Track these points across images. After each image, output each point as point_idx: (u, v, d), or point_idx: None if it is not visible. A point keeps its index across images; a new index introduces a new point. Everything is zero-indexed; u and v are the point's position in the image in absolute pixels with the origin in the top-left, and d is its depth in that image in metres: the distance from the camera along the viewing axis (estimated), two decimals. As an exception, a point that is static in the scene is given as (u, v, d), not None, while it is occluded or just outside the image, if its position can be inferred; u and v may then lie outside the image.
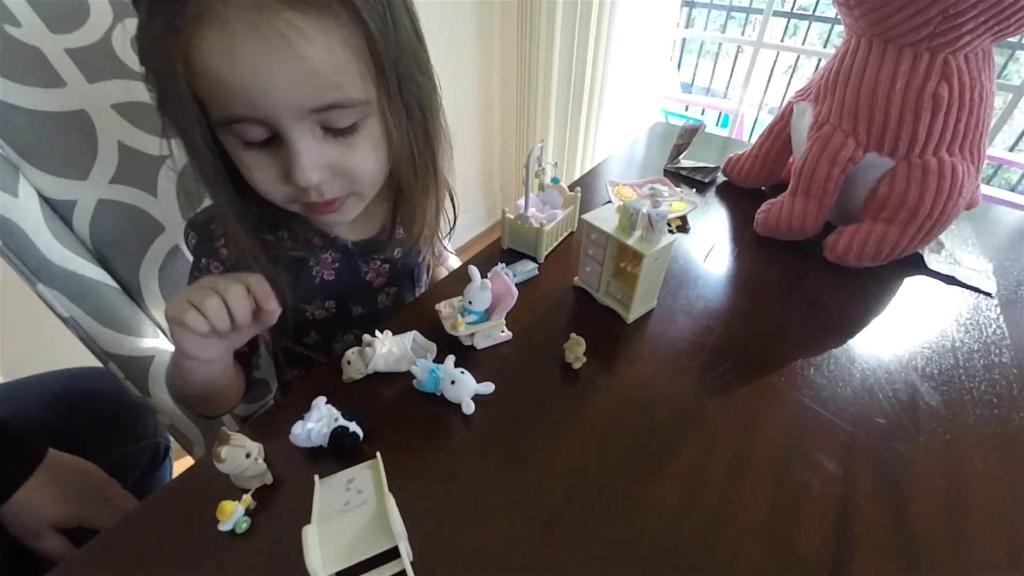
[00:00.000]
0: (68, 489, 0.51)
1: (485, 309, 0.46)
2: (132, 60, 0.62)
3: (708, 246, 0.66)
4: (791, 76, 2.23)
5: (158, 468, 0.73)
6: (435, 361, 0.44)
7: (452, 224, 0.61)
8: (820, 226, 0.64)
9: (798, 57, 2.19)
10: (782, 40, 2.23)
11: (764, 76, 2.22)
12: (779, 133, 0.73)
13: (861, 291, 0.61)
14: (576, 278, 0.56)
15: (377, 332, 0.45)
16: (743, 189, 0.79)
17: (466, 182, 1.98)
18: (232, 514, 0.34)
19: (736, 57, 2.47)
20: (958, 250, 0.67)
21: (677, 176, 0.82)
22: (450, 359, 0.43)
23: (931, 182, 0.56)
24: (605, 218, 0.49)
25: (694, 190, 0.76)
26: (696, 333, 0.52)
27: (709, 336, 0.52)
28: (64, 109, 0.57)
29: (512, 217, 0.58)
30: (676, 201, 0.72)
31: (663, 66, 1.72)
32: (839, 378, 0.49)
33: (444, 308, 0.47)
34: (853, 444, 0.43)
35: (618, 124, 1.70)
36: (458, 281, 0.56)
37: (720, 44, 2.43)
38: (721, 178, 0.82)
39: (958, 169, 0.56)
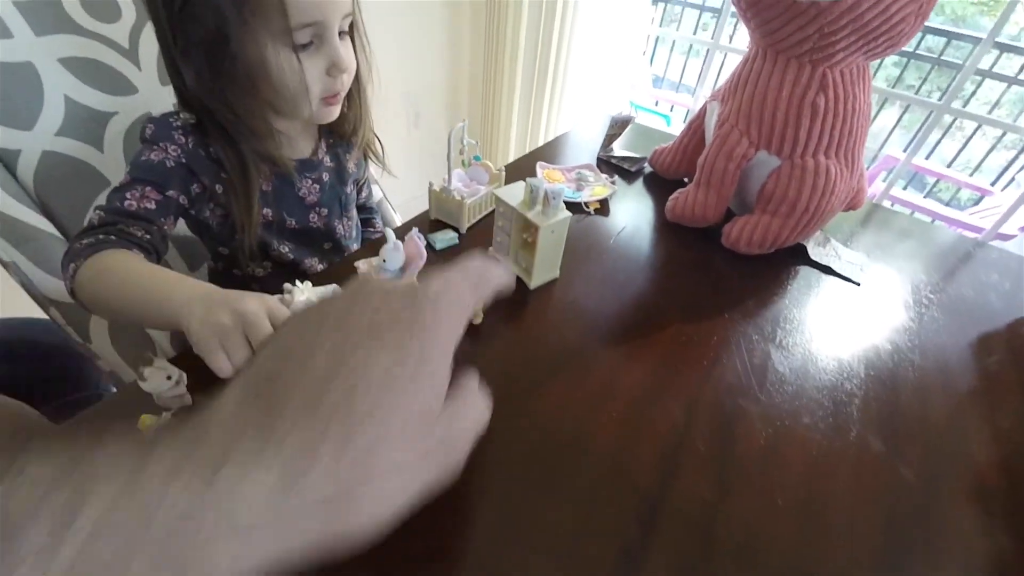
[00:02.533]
0: (2, 427, 0.55)
1: (399, 268, 0.52)
2: (80, 16, 0.64)
3: (620, 227, 0.73)
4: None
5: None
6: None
7: (382, 163, 0.73)
8: (721, 215, 0.72)
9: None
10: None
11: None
12: (696, 129, 0.80)
13: (752, 275, 0.69)
14: (490, 247, 0.62)
15: (297, 282, 0.50)
16: (667, 180, 0.87)
17: (436, 163, 2.01)
18: (151, 426, 0.39)
19: (707, 55, 2.54)
20: (840, 246, 0.76)
21: (608, 164, 0.89)
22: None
23: (808, 180, 0.63)
24: (513, 193, 0.55)
25: (616, 177, 0.83)
26: (592, 299, 0.59)
27: (602, 303, 0.59)
28: (11, 60, 0.60)
29: (437, 189, 0.64)
30: (599, 186, 0.78)
31: (634, 60, 1.78)
32: (708, 344, 0.56)
33: (362, 265, 0.53)
34: (701, 396, 0.50)
35: (581, 113, 1.76)
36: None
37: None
38: (648, 169, 0.89)
39: (831, 171, 0.64)
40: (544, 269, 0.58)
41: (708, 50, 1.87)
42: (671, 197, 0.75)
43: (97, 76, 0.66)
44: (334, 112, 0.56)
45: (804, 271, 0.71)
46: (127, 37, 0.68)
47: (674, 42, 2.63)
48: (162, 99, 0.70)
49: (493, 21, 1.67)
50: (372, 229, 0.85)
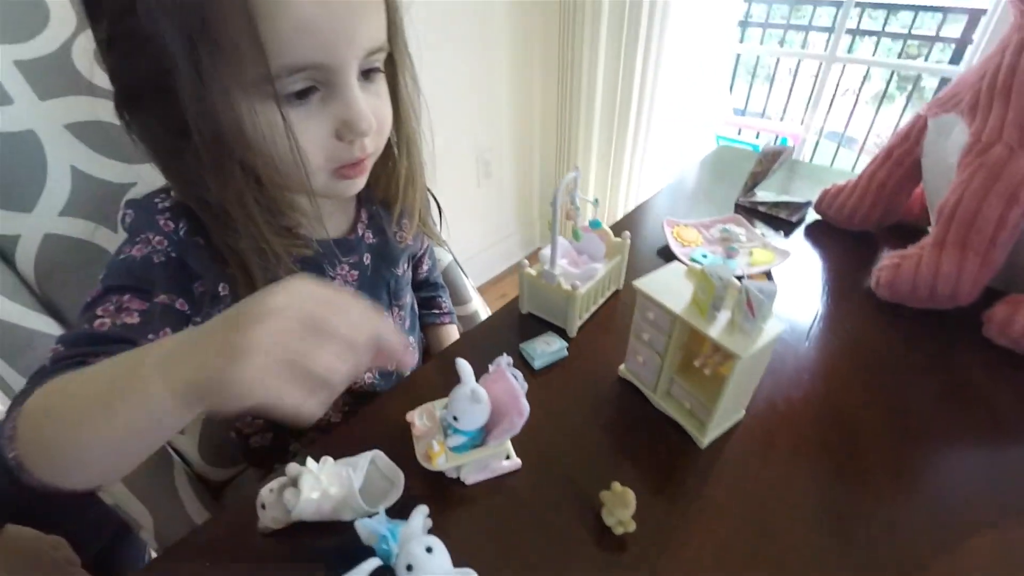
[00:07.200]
0: (18, 566, 0.47)
1: (478, 428, 0.30)
2: (100, 77, 0.52)
3: (808, 316, 0.48)
4: (857, 97, 1.97)
5: (125, 540, 0.66)
6: (396, 510, 0.28)
7: (438, 237, 0.55)
8: (979, 291, 0.45)
9: (866, 74, 1.93)
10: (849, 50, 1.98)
11: (826, 98, 1.99)
12: (902, 159, 0.54)
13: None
14: (622, 366, 0.39)
15: (309, 461, 0.30)
16: (843, 233, 0.61)
17: (501, 207, 1.85)
18: None
19: (795, 77, 2.26)
20: None
21: (753, 213, 0.64)
22: (418, 515, 0.27)
23: None
24: (669, 287, 0.33)
25: (781, 233, 0.58)
26: (811, 460, 0.34)
27: (833, 472, 0.34)
28: (9, 129, 0.48)
29: (534, 273, 0.43)
30: (757, 248, 0.54)
31: (720, 86, 1.54)
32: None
33: (418, 420, 0.32)
34: None
35: (670, 151, 1.52)
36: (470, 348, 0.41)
37: (776, 64, 2.21)
38: (812, 216, 0.64)
39: None
40: (726, 413, 0.34)
41: (796, 66, 1.59)
42: (885, 264, 0.49)
43: (110, 142, 0.54)
44: (355, 185, 0.39)
45: None
46: (147, 93, 0.56)
47: (756, 65, 2.36)
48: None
49: (567, 53, 1.50)
50: (437, 311, 0.66)
